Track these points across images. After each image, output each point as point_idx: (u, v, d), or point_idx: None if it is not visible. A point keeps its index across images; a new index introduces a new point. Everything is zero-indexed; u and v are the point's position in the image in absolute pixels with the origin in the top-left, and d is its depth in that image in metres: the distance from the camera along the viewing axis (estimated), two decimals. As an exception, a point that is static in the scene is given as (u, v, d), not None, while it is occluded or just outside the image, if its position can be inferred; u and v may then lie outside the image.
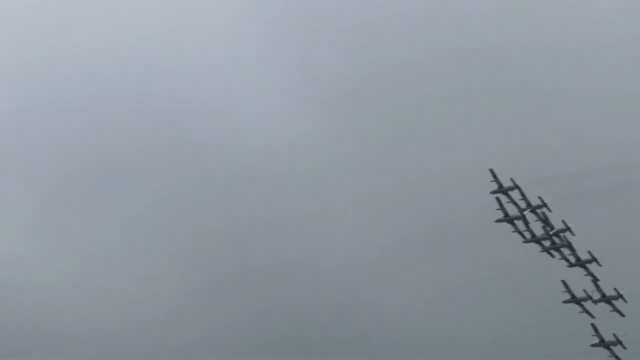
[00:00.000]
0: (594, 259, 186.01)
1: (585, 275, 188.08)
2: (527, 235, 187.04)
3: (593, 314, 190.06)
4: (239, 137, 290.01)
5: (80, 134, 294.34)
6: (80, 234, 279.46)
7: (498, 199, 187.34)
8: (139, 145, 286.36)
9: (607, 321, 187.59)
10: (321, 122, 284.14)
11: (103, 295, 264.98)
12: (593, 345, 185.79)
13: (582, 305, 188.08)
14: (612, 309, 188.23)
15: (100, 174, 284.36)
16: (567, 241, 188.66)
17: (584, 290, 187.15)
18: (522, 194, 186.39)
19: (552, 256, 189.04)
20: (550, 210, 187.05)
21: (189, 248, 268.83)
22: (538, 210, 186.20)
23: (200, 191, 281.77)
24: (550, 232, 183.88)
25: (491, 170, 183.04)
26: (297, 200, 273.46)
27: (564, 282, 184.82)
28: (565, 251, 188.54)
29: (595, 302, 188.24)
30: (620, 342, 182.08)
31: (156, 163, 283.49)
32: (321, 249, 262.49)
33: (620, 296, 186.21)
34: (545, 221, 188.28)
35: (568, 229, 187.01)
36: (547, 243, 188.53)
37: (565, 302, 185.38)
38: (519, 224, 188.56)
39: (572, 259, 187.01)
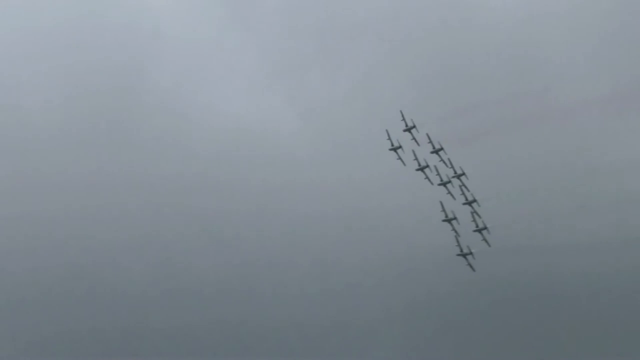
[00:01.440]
0: (475, 200, 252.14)
1: (472, 212, 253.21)
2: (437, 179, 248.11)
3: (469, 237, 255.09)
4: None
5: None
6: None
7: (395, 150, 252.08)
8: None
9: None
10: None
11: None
12: (457, 255, 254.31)
13: (454, 228, 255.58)
14: (482, 238, 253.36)
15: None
16: (463, 184, 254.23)
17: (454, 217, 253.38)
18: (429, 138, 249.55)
19: (454, 197, 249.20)
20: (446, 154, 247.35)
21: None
22: (440, 153, 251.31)
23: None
24: (451, 176, 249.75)
25: (401, 112, 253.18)
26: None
27: (441, 202, 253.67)
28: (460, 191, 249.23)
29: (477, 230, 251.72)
30: (471, 253, 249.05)
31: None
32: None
33: (486, 228, 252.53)
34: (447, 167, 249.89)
35: (463, 173, 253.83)
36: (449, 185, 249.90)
37: (444, 220, 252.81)
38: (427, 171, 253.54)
39: (466, 198, 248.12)
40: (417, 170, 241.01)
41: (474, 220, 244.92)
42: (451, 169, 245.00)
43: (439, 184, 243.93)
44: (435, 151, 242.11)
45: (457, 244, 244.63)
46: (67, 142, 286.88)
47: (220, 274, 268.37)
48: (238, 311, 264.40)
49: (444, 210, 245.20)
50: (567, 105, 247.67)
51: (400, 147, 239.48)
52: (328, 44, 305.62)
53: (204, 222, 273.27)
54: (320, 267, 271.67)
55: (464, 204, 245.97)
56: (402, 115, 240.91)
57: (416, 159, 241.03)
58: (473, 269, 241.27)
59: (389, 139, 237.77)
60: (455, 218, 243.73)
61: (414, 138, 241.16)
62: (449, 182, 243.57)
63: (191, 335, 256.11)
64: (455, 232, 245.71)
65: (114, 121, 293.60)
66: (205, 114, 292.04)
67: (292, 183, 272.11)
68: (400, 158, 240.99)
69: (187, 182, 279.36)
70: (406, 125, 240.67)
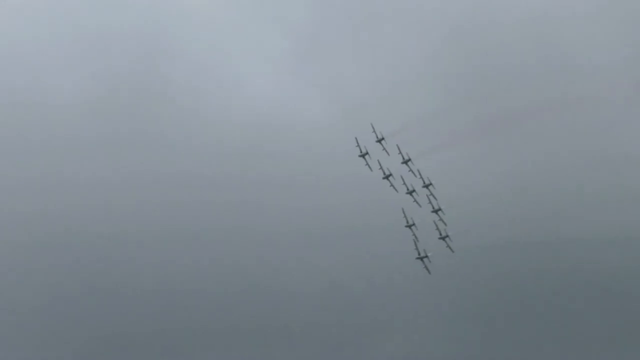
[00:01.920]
0: (440, 209, 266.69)
1: (439, 220, 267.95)
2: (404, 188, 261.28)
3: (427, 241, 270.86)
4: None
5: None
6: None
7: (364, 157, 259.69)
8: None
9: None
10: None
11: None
12: (416, 258, 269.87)
13: (414, 234, 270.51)
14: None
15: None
16: (432, 193, 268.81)
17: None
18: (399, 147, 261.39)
19: (419, 205, 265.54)
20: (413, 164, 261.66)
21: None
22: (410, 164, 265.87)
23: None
24: (422, 186, 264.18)
25: (371, 124, 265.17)
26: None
27: (402, 209, 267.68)
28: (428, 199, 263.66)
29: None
30: (427, 257, 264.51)
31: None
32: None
33: (447, 236, 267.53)
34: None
35: (430, 183, 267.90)
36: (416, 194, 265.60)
37: (406, 226, 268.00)
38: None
39: (433, 207, 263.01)
40: (383, 179, 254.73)
41: (438, 229, 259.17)
42: (420, 179, 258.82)
43: (406, 193, 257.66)
44: (405, 162, 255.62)
45: (415, 248, 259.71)
46: (88, 129, 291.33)
47: (242, 270, 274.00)
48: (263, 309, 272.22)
49: (405, 216, 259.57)
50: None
51: (367, 153, 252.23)
52: (359, 28, 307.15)
53: (226, 214, 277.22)
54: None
55: (432, 211, 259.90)
56: (373, 127, 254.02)
57: (381, 167, 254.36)
58: (429, 272, 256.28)
59: (358, 145, 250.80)
60: (414, 224, 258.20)
61: (384, 149, 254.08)
62: (414, 190, 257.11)
63: (212, 333, 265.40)
64: (415, 237, 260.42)
65: (136, 108, 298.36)
66: (231, 98, 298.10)
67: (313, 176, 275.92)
68: (367, 164, 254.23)
69: (208, 174, 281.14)
70: (377, 137, 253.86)
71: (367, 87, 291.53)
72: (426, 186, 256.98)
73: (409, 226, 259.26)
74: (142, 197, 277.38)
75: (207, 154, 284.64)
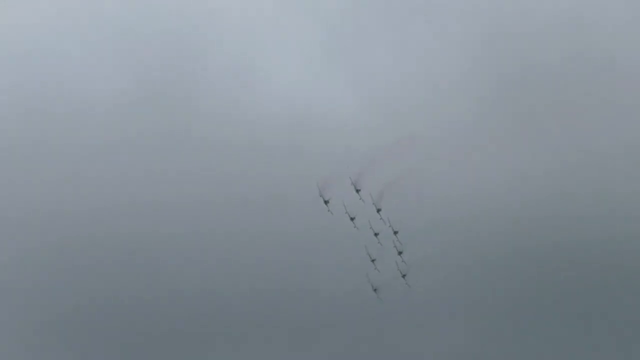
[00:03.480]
0: (402, 252, 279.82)
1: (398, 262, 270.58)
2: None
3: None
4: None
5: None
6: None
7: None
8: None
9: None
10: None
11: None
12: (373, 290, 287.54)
13: (376, 267, 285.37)
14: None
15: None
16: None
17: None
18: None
19: (381, 245, 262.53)
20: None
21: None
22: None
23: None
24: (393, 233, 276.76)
25: (350, 177, 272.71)
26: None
27: (365, 246, 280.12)
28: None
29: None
30: (376, 290, 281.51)
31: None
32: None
33: (405, 275, 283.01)
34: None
35: (397, 231, 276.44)
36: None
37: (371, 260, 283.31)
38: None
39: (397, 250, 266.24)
40: (351, 219, 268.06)
41: (399, 269, 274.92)
42: (389, 227, 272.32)
43: (375, 234, 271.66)
44: (377, 210, 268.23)
45: (368, 281, 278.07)
46: (122, 112, 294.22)
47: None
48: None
49: (368, 253, 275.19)
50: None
51: (328, 201, 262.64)
52: (394, 21, 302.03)
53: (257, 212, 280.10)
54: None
55: (399, 253, 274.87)
56: (351, 180, 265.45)
57: (347, 212, 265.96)
58: (382, 301, 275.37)
59: (321, 195, 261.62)
60: (374, 260, 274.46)
61: (361, 198, 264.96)
62: (378, 234, 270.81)
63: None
64: (370, 272, 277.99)
65: (166, 102, 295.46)
66: (262, 93, 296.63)
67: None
68: (329, 210, 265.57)
69: (237, 169, 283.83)
70: (355, 189, 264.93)
71: (400, 84, 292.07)
72: (394, 233, 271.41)
73: (372, 261, 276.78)
74: (172, 194, 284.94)
75: (238, 151, 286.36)
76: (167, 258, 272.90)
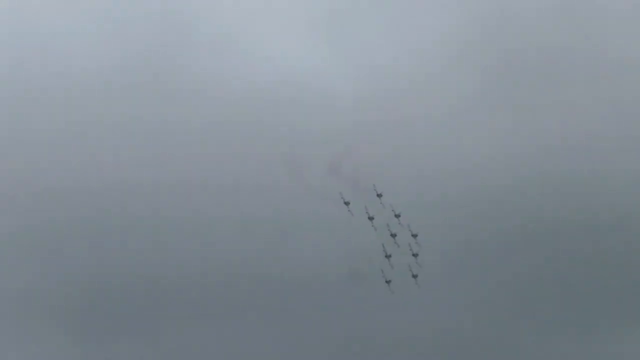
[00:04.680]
0: (417, 254, 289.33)
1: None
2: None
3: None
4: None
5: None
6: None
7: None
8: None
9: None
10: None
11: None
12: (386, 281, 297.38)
13: (390, 264, 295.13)
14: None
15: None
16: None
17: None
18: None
19: (398, 246, 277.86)
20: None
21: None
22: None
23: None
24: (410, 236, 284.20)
25: (373, 185, 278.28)
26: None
27: (383, 244, 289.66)
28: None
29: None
30: (389, 281, 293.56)
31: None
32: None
33: (417, 275, 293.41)
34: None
35: (417, 234, 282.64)
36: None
37: (387, 256, 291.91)
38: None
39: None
40: (369, 219, 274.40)
41: (410, 270, 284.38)
42: (408, 231, 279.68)
43: (391, 235, 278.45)
44: (396, 216, 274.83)
45: (382, 275, 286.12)
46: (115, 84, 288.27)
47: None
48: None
49: (384, 250, 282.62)
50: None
51: (349, 202, 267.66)
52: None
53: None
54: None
55: (413, 255, 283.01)
56: (374, 187, 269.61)
57: (367, 212, 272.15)
58: (392, 292, 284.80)
59: (342, 198, 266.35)
60: (390, 255, 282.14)
61: (381, 203, 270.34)
62: (396, 234, 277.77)
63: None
64: (387, 266, 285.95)
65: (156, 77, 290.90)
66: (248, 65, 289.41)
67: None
68: (349, 210, 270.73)
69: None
70: (377, 194, 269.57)
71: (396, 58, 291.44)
72: (414, 236, 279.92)
73: (387, 257, 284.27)
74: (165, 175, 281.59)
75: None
76: (170, 240, 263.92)
